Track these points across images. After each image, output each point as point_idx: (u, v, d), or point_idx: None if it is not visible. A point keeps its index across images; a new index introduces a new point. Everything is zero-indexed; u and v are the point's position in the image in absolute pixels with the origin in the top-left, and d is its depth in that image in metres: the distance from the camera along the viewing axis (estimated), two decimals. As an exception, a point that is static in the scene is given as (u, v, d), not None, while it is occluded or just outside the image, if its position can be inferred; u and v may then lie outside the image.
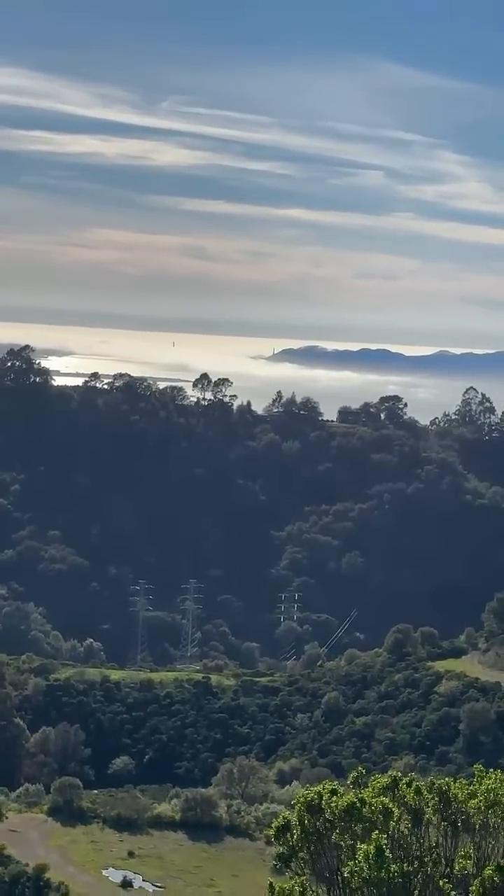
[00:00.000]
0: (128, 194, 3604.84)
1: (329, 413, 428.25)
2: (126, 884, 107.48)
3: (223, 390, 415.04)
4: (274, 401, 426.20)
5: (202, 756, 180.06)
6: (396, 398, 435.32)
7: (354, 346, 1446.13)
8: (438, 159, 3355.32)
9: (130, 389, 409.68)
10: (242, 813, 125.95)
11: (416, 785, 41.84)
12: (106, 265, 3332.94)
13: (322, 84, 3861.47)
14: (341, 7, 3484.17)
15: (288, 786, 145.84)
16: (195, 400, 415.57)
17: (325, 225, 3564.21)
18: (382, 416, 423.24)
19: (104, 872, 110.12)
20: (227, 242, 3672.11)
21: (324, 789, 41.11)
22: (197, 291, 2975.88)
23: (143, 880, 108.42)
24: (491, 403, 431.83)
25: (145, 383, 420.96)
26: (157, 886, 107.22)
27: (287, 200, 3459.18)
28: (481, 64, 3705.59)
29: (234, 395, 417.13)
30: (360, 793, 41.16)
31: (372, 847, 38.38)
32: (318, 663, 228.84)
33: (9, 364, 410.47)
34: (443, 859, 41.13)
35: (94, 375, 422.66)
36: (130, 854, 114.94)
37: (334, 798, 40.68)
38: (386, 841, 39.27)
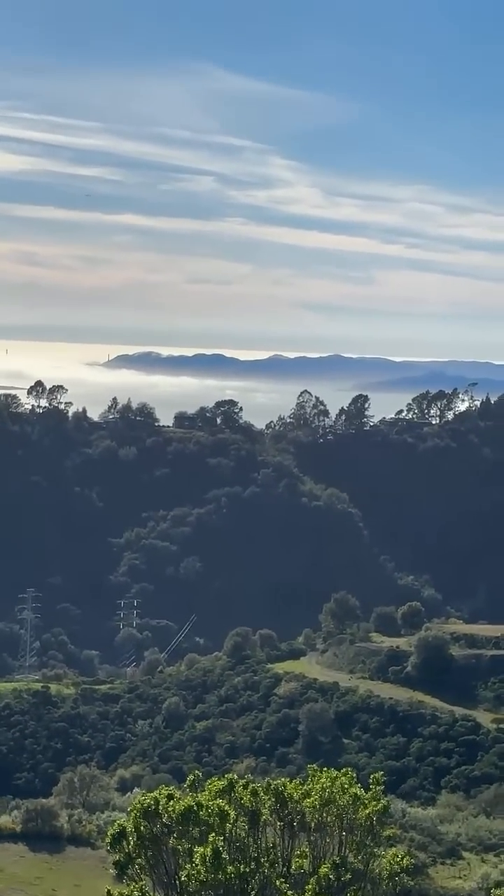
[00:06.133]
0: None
1: (166, 419, 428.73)
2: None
3: (58, 397, 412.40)
4: (110, 407, 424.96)
5: (42, 766, 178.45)
6: (232, 402, 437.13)
7: (189, 352, 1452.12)
8: (268, 165, 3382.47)
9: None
10: (84, 822, 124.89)
11: (253, 787, 42.26)
12: None
13: (152, 89, 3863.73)
14: (172, 12, 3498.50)
15: (129, 793, 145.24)
16: (30, 408, 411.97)
17: (157, 231, 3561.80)
18: (219, 420, 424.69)
19: None
20: (59, 248, 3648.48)
21: (160, 794, 41.29)
22: (29, 298, 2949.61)
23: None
24: (325, 406, 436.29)
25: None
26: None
27: (118, 206, 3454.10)
28: (310, 71, 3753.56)
29: (70, 402, 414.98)
30: (197, 796, 41.44)
31: (208, 849, 38.70)
32: (159, 669, 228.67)
33: None
34: (280, 859, 41.63)
35: None
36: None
37: (171, 803, 40.88)
38: (222, 843, 39.62)
